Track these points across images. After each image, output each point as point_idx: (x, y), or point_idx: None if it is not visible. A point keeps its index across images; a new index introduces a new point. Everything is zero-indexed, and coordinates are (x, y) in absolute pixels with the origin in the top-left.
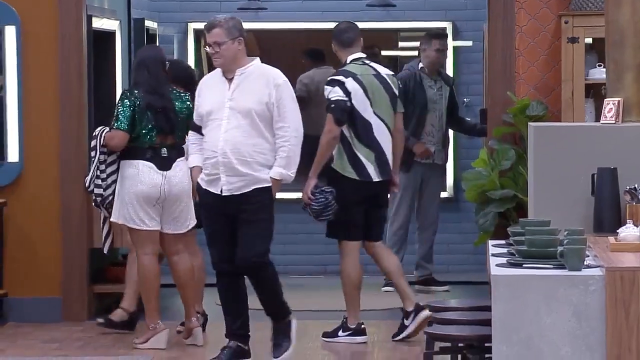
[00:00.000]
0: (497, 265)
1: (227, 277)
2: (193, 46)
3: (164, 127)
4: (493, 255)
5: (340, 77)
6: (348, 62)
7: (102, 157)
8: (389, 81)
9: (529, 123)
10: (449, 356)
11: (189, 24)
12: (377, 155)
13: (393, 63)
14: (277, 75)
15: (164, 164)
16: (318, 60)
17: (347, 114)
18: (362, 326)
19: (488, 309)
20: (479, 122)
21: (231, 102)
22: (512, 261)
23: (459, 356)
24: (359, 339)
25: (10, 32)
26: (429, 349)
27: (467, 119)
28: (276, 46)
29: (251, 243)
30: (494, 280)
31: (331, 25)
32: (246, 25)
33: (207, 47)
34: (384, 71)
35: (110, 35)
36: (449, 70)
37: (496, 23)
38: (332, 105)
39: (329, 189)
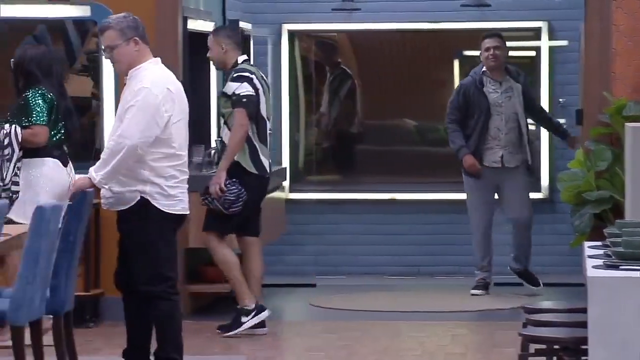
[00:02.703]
0: (594, 266)
1: (123, 292)
2: (287, 47)
3: (69, 126)
4: (589, 256)
5: (247, 74)
6: (240, 62)
7: (19, 153)
8: (267, 83)
9: (626, 124)
10: (544, 358)
11: (283, 25)
12: (267, 151)
13: None
14: (140, 80)
15: (65, 161)
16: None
17: (256, 108)
18: (259, 303)
19: (584, 311)
20: (561, 124)
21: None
22: (609, 263)
23: (554, 358)
24: (262, 314)
25: None
26: (524, 351)
27: (555, 118)
28: (370, 47)
29: (133, 270)
30: (590, 282)
31: (425, 25)
32: (340, 26)
33: (103, 52)
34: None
35: (206, 36)
36: (544, 70)
37: (593, 22)
38: (244, 100)
39: (235, 180)
